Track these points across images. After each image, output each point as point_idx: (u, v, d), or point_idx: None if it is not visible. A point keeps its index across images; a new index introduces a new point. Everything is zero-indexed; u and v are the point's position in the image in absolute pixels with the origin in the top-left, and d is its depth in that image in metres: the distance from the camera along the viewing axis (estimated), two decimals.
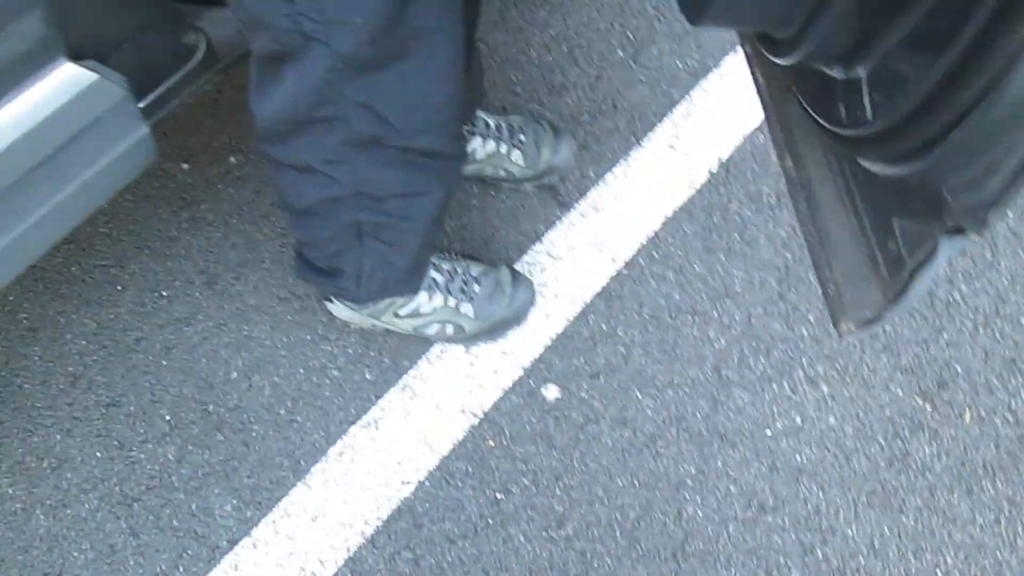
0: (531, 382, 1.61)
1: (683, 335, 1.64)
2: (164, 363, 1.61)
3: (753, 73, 1.00)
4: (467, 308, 1.55)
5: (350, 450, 1.54)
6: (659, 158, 1.79)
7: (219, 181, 1.72)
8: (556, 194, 1.74)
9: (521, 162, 1.66)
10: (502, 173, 1.67)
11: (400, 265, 1.37)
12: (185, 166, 1.75)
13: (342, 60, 1.03)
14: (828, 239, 0.82)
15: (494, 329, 1.59)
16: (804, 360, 1.59)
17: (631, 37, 1.88)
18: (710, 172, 1.77)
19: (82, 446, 1.55)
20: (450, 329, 1.57)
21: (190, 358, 1.61)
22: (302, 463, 1.53)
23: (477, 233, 1.72)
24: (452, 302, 1.54)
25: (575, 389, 1.61)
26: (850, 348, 1.61)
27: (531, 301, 1.60)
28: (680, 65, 1.87)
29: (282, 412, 1.58)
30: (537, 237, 1.71)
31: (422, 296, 1.53)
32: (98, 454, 1.54)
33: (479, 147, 1.63)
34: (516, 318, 1.59)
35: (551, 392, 1.60)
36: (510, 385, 1.62)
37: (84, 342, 1.61)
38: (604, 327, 1.64)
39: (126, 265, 1.68)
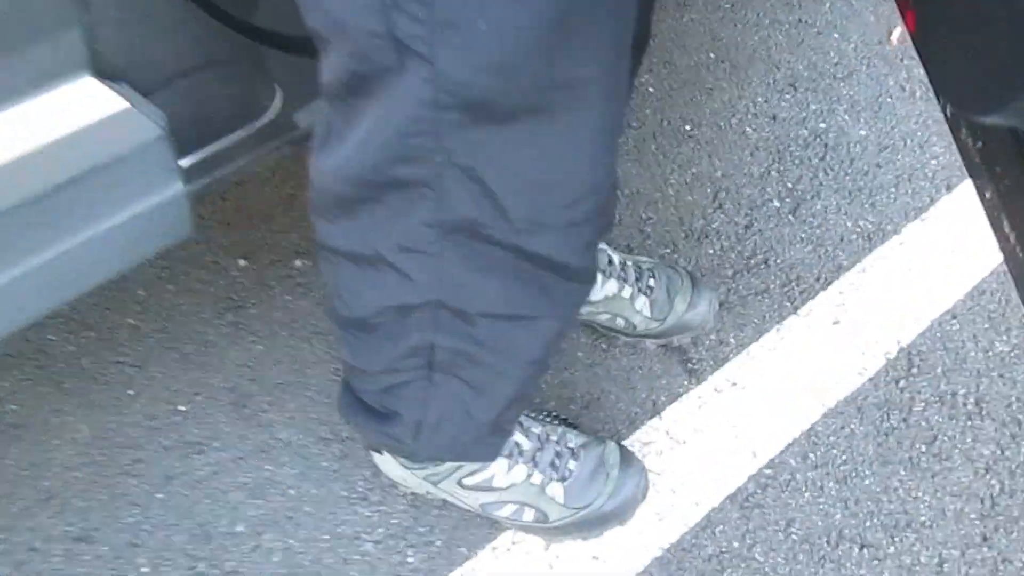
0: None
1: (845, 570, 1.16)
2: (159, 496, 1.19)
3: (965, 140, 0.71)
4: (556, 490, 1.10)
5: None
6: (820, 333, 1.35)
7: (277, 285, 1.28)
8: (686, 359, 1.23)
9: (647, 312, 1.22)
10: (620, 323, 1.26)
11: (480, 418, 0.93)
12: (242, 263, 1.32)
13: (449, 90, 0.64)
14: None
15: (587, 524, 1.12)
16: None
17: (790, 187, 1.41)
18: (887, 359, 1.24)
19: None
20: (529, 515, 1.11)
21: (191, 496, 1.17)
22: None
23: (579, 394, 1.28)
24: (538, 479, 1.09)
25: None
26: None
27: (641, 494, 1.15)
28: (850, 225, 1.38)
29: None
30: (656, 411, 1.27)
31: (499, 464, 1.08)
32: None
33: (596, 286, 1.20)
34: (619, 514, 1.13)
35: None
36: None
37: (71, 452, 1.21)
38: (736, 545, 1.16)
39: (147, 367, 1.29)
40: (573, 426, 1.15)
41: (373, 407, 0.97)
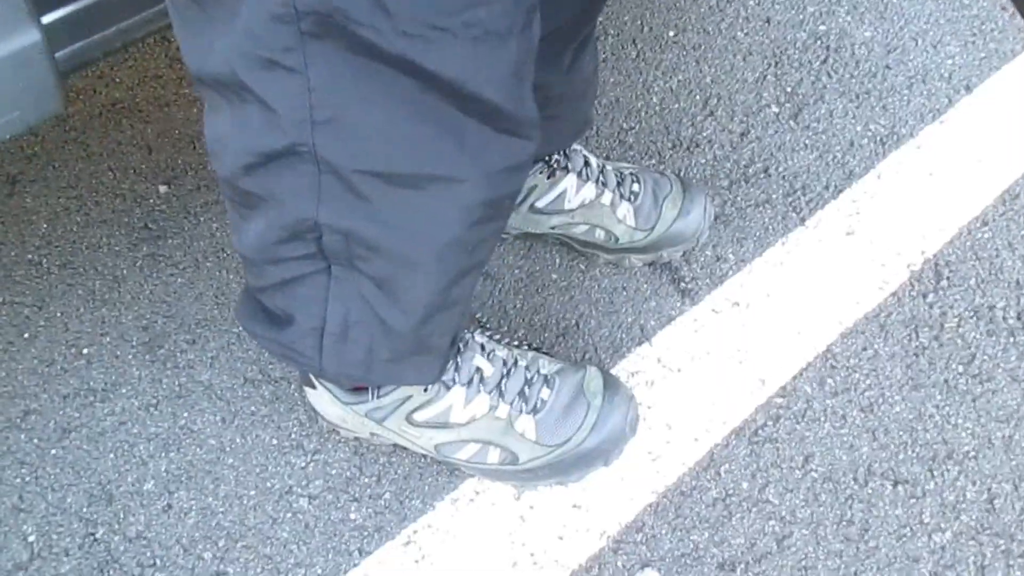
0: (619, 563, 0.92)
1: (876, 510, 0.96)
2: (53, 452, 0.98)
3: None
4: (526, 424, 0.89)
5: None
6: (832, 245, 1.15)
7: (203, 212, 1.07)
8: (677, 278, 1.07)
9: (630, 220, 1.04)
10: (600, 235, 1.05)
11: (396, 327, 0.72)
12: (163, 189, 1.11)
13: None
14: None
15: (565, 465, 0.91)
16: None
17: (789, 91, 1.18)
18: (911, 271, 1.01)
19: None
20: (495, 455, 0.90)
21: (92, 450, 0.98)
22: None
23: (553, 320, 1.07)
24: (504, 411, 0.88)
25: None
26: None
27: (630, 427, 0.93)
28: (859, 130, 1.15)
29: (207, 557, 0.83)
30: (644, 336, 1.06)
31: (456, 394, 0.87)
32: None
33: (570, 190, 1.03)
34: (603, 452, 0.91)
35: None
36: (583, 563, 0.91)
37: None
38: (745, 486, 0.96)
39: (46, 307, 1.08)
40: (547, 353, 0.90)
41: (270, 310, 0.73)
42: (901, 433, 0.98)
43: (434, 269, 0.68)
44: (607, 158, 1.18)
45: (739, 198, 1.16)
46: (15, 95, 0.73)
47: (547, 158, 1.00)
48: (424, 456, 0.93)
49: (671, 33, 1.36)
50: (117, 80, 1.25)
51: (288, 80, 0.55)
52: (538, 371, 0.87)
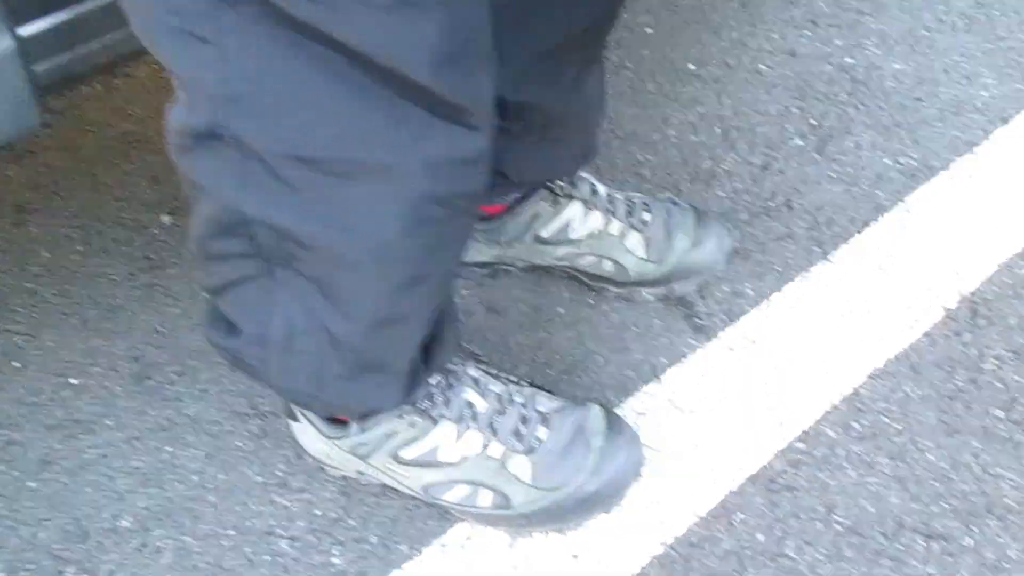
0: None
1: (907, 568, 0.86)
2: (30, 485, 0.94)
3: None
4: (521, 465, 0.82)
5: None
6: (859, 281, 1.07)
7: None
8: (691, 313, 1.03)
9: (641, 251, 0.98)
10: (608, 268, 0.98)
11: (342, 338, 0.66)
12: (166, 219, 1.08)
13: None
14: None
15: (563, 510, 0.83)
16: None
17: (814, 124, 1.11)
18: (945, 309, 0.93)
19: None
20: (487, 499, 0.82)
21: (70, 483, 0.93)
22: None
23: (557, 356, 1.01)
24: (497, 450, 0.81)
25: None
26: None
27: (633, 470, 0.86)
28: (888, 162, 1.08)
29: None
30: (654, 374, 0.99)
31: (445, 430, 0.81)
32: None
33: (576, 219, 0.97)
34: (604, 497, 0.84)
35: None
36: None
37: None
38: (761, 538, 0.88)
39: (39, 335, 1.05)
40: (546, 390, 0.82)
41: (224, 314, 0.66)
42: (935, 483, 0.88)
43: (373, 273, 0.61)
44: (620, 189, 1.11)
45: (759, 232, 1.08)
46: None
47: (550, 184, 0.92)
48: (415, 497, 0.86)
49: (691, 66, 1.30)
50: (130, 113, 1.23)
51: (203, 51, 0.50)
52: (535, 408, 0.81)
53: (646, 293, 0.99)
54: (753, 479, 0.89)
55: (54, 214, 1.12)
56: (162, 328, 1.03)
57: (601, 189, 0.98)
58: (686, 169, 1.17)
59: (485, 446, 0.79)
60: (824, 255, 1.07)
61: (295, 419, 0.83)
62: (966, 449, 0.91)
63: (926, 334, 0.99)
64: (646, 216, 0.97)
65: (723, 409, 0.94)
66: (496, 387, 0.82)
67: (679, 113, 1.24)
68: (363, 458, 0.80)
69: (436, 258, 0.61)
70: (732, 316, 1.02)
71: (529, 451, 0.79)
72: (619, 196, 0.99)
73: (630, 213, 0.98)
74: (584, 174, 0.98)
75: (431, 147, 0.53)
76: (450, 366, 0.81)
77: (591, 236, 0.96)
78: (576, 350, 1.00)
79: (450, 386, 0.77)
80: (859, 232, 1.09)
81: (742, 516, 0.87)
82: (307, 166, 0.54)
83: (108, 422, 0.95)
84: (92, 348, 1.01)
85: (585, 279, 1.01)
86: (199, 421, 0.95)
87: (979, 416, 0.94)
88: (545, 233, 0.95)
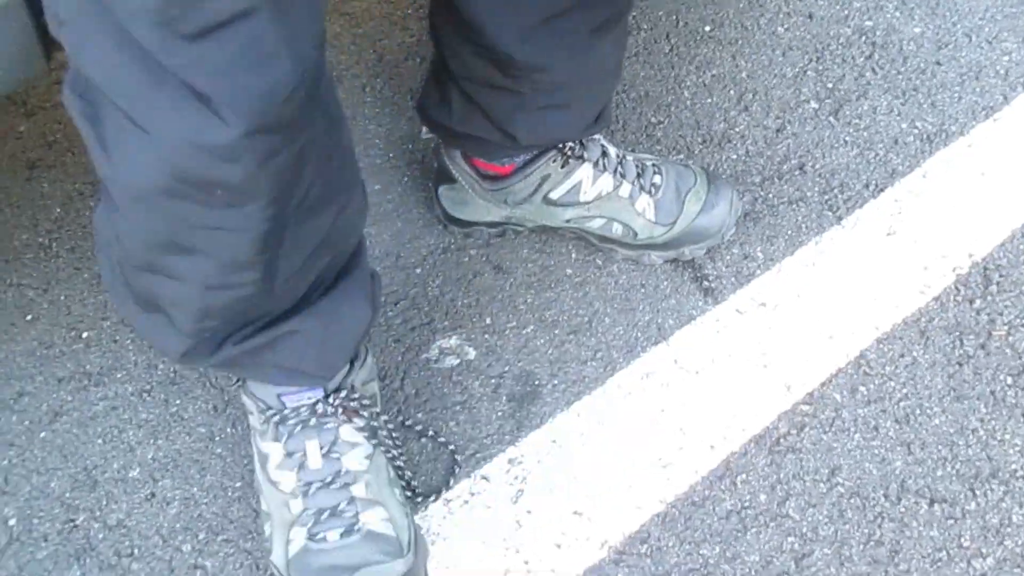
0: None
1: (909, 531, 0.87)
2: (42, 435, 0.95)
3: None
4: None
5: None
6: (870, 245, 1.06)
7: None
8: (700, 276, 1.02)
9: (650, 215, 0.98)
10: (618, 230, 0.98)
11: (121, 264, 0.70)
12: None
13: None
14: None
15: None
16: None
17: (830, 87, 1.09)
18: (957, 275, 0.92)
19: None
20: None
21: (80, 434, 0.94)
22: None
23: (564, 317, 1.02)
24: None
25: None
26: None
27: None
28: (905, 127, 1.06)
29: (186, 549, 0.81)
30: (662, 336, 0.99)
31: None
32: None
33: (586, 181, 0.97)
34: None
35: None
36: (581, 574, 0.85)
37: None
38: (763, 498, 0.88)
39: (51, 289, 1.05)
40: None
41: None
42: (940, 447, 0.87)
43: (133, 217, 0.62)
44: (632, 151, 1.10)
45: (771, 195, 1.07)
46: None
47: (560, 146, 0.92)
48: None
49: (707, 28, 1.28)
50: None
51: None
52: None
53: (654, 256, 0.99)
54: (757, 440, 0.89)
55: (66, 171, 1.13)
56: None
57: (612, 151, 0.98)
58: (699, 131, 1.16)
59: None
60: (836, 220, 1.06)
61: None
62: (973, 415, 0.91)
63: (936, 299, 0.98)
64: (657, 179, 0.97)
65: (729, 371, 0.93)
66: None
67: (693, 75, 1.22)
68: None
69: (188, 234, 0.61)
70: (741, 279, 1.01)
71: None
72: (630, 158, 0.99)
73: (640, 175, 0.98)
74: (596, 135, 0.97)
75: (178, 123, 0.53)
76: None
77: (600, 198, 0.96)
78: (583, 310, 1.00)
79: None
80: (873, 197, 1.08)
81: (744, 477, 0.87)
82: (105, 98, 0.56)
83: (118, 375, 0.96)
84: (103, 302, 1.02)
85: (594, 240, 1.01)
86: (207, 374, 0.96)
87: (988, 382, 0.93)
88: (554, 195, 0.95)
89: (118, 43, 0.53)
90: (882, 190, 1.09)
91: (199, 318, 0.69)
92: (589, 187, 0.95)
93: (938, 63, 1.23)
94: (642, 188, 0.96)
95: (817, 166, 1.12)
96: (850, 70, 1.22)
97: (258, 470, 0.80)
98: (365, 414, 0.78)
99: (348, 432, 0.76)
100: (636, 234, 0.96)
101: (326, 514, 0.75)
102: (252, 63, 0.52)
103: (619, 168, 0.96)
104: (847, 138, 1.15)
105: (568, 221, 0.97)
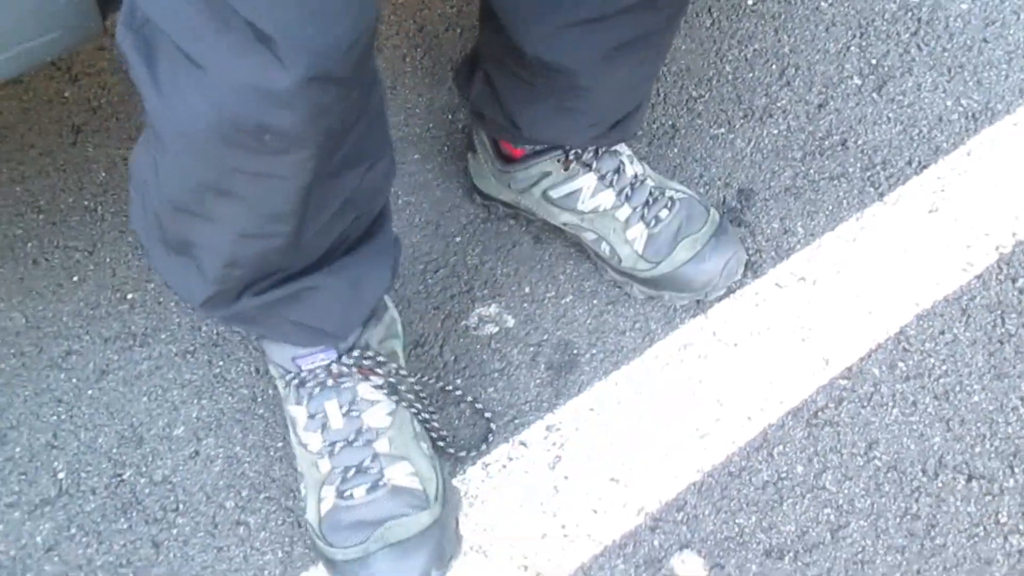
0: (656, 542, 0.86)
1: (946, 506, 0.87)
2: (89, 393, 0.97)
3: None
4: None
5: None
6: (912, 222, 1.06)
7: None
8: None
9: (638, 247, 0.94)
10: (605, 250, 0.95)
11: (157, 208, 0.70)
12: None
13: None
14: None
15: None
16: None
17: (874, 63, 1.09)
18: (1000, 253, 0.93)
19: None
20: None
21: (127, 392, 0.96)
22: None
23: (604, 287, 1.03)
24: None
25: (735, 571, 0.84)
26: None
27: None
28: (950, 104, 1.05)
29: (229, 506, 0.82)
30: (700, 308, 1.00)
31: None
32: None
33: (586, 191, 0.93)
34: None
35: (689, 568, 0.84)
36: (617, 540, 0.86)
37: None
38: (800, 469, 0.89)
39: (97, 252, 1.08)
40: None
41: None
42: (979, 424, 0.87)
43: (178, 160, 0.62)
44: (673, 127, 1.10)
45: (812, 171, 1.07)
46: (54, 14, 0.70)
47: (565, 148, 0.90)
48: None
49: (749, 2, 1.28)
50: None
51: None
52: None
53: (637, 289, 0.95)
54: (795, 413, 0.89)
55: (110, 135, 1.15)
56: None
57: (630, 171, 0.92)
58: (740, 106, 1.16)
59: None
60: (878, 196, 1.06)
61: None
62: (1014, 393, 0.91)
63: (978, 277, 0.98)
64: (663, 213, 0.92)
65: (768, 344, 0.94)
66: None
67: (735, 49, 1.22)
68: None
69: (248, 183, 0.61)
70: (781, 253, 1.01)
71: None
72: (650, 183, 0.92)
73: (649, 204, 0.92)
74: (621, 150, 0.92)
75: (239, 66, 0.53)
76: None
77: (595, 213, 0.92)
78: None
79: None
80: (916, 174, 1.08)
81: (781, 448, 0.88)
82: (164, 38, 0.57)
83: (162, 336, 0.98)
84: (147, 265, 1.05)
85: (589, 253, 1.01)
86: (247, 338, 0.98)
87: None
88: (553, 193, 0.92)
89: None
90: (925, 167, 1.08)
91: (227, 263, 0.70)
92: (587, 198, 0.92)
93: (985, 40, 1.22)
94: (642, 217, 0.91)
95: (860, 142, 1.11)
96: (895, 46, 1.21)
97: (290, 433, 0.83)
98: (381, 371, 0.79)
99: (366, 390, 0.77)
100: (621, 260, 0.94)
101: (352, 471, 0.77)
102: (319, 10, 0.53)
103: (627, 189, 0.91)
104: (890, 115, 1.14)
105: (565, 224, 0.95)
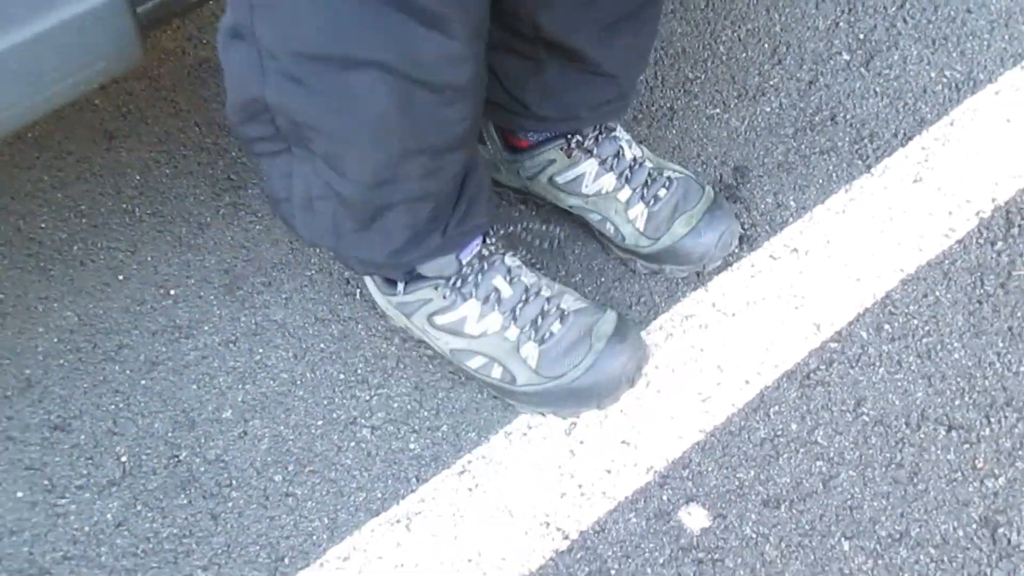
0: (664, 497, 0.95)
1: (927, 454, 0.96)
2: (142, 383, 1.07)
3: None
4: (531, 351, 0.92)
5: (360, 557, 0.93)
6: (898, 192, 1.13)
7: None
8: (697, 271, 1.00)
9: (639, 224, 1.00)
10: (610, 230, 1.02)
11: (349, 198, 0.79)
12: None
13: None
14: None
15: (556, 397, 0.93)
16: None
17: (862, 38, 1.17)
18: (980, 218, 1.01)
19: (2, 480, 0.99)
20: (497, 371, 0.93)
21: (177, 381, 1.05)
22: (285, 562, 0.94)
23: (610, 265, 1.10)
24: (513, 333, 0.91)
25: (736, 520, 0.93)
26: None
27: (627, 377, 0.93)
28: (934, 75, 1.13)
29: (278, 480, 0.90)
30: (700, 281, 1.09)
31: (471, 307, 0.91)
32: (19, 494, 1.00)
33: (589, 176, 1.00)
34: (594, 393, 0.93)
35: (695, 519, 0.94)
36: (629, 496, 0.95)
37: (55, 339, 1.09)
38: (794, 427, 0.98)
39: (138, 251, 1.17)
40: (573, 292, 0.95)
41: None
42: (959, 379, 0.97)
43: (370, 147, 0.74)
44: (671, 110, 1.19)
45: (803, 146, 1.16)
46: (99, 46, 0.80)
47: (567, 137, 0.96)
48: (481, 392, 0.99)
49: None
50: (205, 41, 1.32)
51: None
52: (557, 305, 0.91)
53: (640, 265, 1.03)
54: (789, 375, 0.99)
55: (141, 140, 1.24)
56: (247, 243, 1.16)
57: (628, 155, 0.97)
58: (735, 86, 1.24)
59: (504, 328, 0.89)
60: (866, 168, 1.15)
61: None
62: (991, 349, 1.00)
63: (959, 242, 1.07)
64: (661, 192, 0.98)
65: (763, 312, 1.04)
66: (528, 279, 0.91)
67: (729, 30, 1.30)
68: (407, 316, 0.93)
69: (428, 134, 0.72)
70: (775, 226, 1.11)
71: (540, 341, 0.89)
72: (648, 165, 0.98)
73: (648, 184, 0.98)
74: (620, 135, 0.98)
75: (414, 47, 0.64)
76: (486, 252, 0.92)
77: (599, 195, 0.99)
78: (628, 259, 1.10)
79: (483, 270, 0.88)
80: (902, 146, 1.16)
81: (777, 408, 0.98)
82: (311, 61, 0.68)
83: (205, 327, 1.09)
84: (186, 262, 1.14)
85: (593, 232, 1.10)
86: (286, 326, 1.08)
87: (1006, 318, 1.02)
88: (560, 180, 0.99)
89: (350, 4, 0.64)
90: (910, 138, 1.17)
91: (420, 199, 0.80)
92: (591, 182, 0.98)
93: (968, 11, 1.29)
94: (641, 197, 0.98)
95: (848, 116, 1.20)
96: (881, 20, 1.29)
97: (453, 344, 0.92)
98: (505, 242, 0.94)
99: (510, 259, 0.91)
100: (624, 238, 1.01)
101: (539, 319, 0.89)
102: None
103: (627, 172, 0.98)
104: (877, 88, 1.22)
105: (572, 207, 1.02)
